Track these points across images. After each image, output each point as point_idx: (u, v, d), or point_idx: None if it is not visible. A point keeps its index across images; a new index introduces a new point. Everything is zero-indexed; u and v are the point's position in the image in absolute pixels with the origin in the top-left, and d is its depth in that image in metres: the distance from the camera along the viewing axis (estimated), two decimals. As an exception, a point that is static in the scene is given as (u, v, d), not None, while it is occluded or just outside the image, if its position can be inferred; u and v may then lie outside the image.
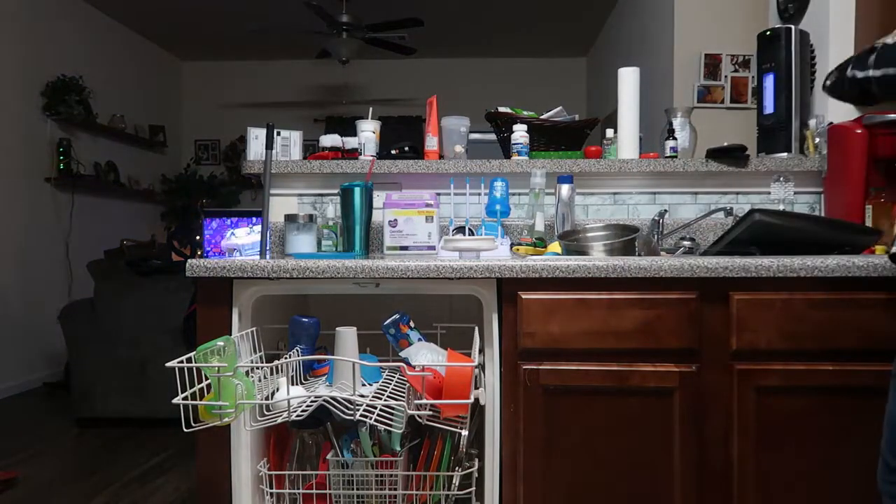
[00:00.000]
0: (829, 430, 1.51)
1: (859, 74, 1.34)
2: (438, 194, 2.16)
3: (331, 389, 1.55)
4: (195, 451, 1.63)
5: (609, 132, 2.26)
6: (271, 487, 1.66)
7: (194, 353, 1.36)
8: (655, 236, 2.08)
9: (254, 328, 1.64)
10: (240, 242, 1.95)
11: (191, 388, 1.34)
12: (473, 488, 1.65)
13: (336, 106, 6.92)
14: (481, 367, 1.58)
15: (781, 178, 2.09)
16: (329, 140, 2.26)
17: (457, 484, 1.64)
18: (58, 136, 4.96)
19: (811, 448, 1.52)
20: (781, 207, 2.07)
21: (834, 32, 2.21)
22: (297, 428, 1.73)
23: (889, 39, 1.32)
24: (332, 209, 2.17)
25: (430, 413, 1.41)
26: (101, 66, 5.53)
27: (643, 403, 1.53)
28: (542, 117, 2.26)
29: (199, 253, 3.55)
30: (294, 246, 1.98)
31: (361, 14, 5.21)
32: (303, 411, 1.43)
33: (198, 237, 3.72)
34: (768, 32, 2.24)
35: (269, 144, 2.03)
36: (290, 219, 2.00)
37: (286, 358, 1.53)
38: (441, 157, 2.26)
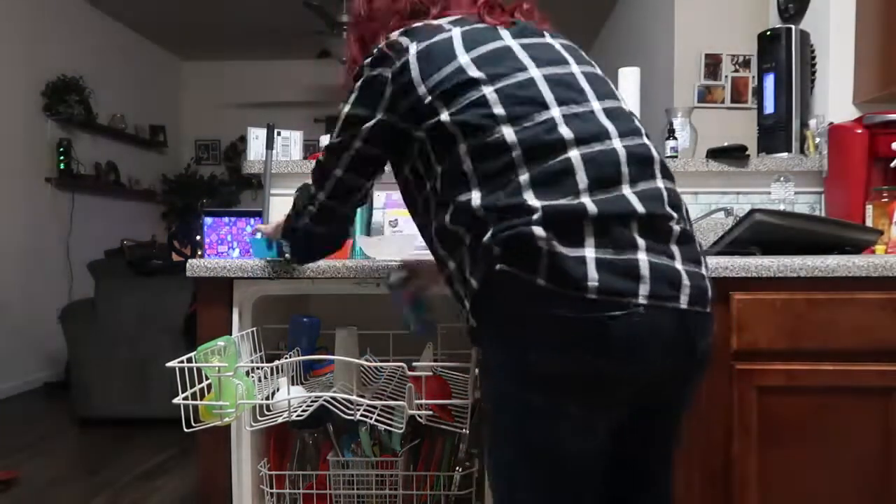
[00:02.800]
0: (830, 430, 1.51)
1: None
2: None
3: (331, 389, 1.56)
4: (195, 450, 1.62)
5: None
6: (272, 487, 1.66)
7: (194, 353, 1.36)
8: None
9: (254, 328, 1.64)
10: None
11: (191, 388, 1.34)
12: (473, 488, 1.65)
13: (336, 106, 6.91)
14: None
15: (782, 178, 2.09)
16: (329, 140, 2.25)
17: (457, 484, 1.64)
18: (58, 136, 4.96)
19: (811, 448, 1.51)
20: (782, 207, 2.07)
21: (834, 32, 2.21)
22: (297, 428, 1.72)
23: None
24: (333, 209, 2.17)
25: (431, 413, 1.41)
26: (101, 66, 5.53)
27: (643, 403, 1.53)
28: (542, 117, 2.25)
29: (199, 253, 3.55)
30: (294, 246, 1.98)
31: (361, 14, 5.21)
32: (303, 411, 1.43)
33: (198, 237, 3.72)
34: (768, 32, 2.24)
35: (270, 144, 2.03)
36: (291, 219, 1.99)
37: (286, 358, 1.53)
38: (441, 157, 2.25)
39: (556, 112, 1.00)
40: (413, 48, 1.08)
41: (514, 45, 1.08)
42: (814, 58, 2.26)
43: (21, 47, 4.63)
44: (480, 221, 0.97)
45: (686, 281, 0.97)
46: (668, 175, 1.05)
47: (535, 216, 0.93)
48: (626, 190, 0.97)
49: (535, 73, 1.04)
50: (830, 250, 1.69)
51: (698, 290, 0.99)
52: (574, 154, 0.97)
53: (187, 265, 1.56)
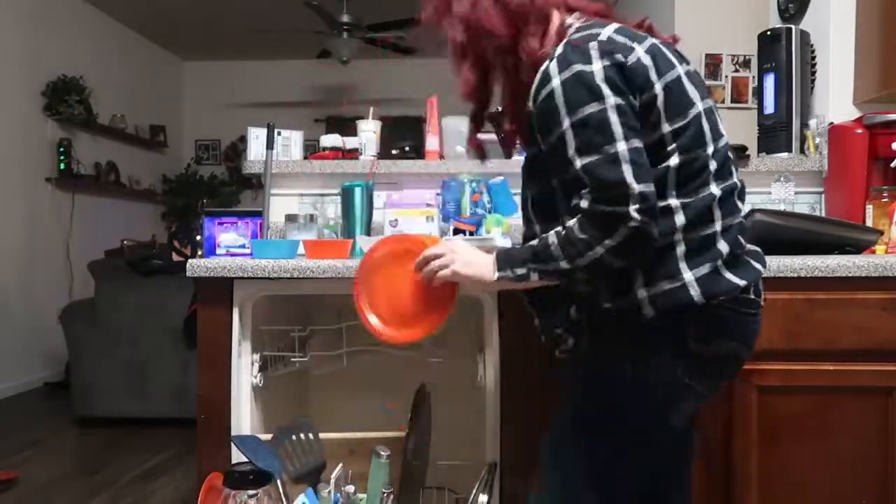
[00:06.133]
0: (830, 429, 1.51)
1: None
2: (439, 194, 2.16)
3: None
4: (195, 450, 1.62)
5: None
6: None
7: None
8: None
9: (254, 328, 1.64)
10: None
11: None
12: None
13: (337, 106, 6.91)
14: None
15: (782, 178, 2.09)
16: (329, 140, 2.26)
17: None
18: (58, 136, 4.96)
19: (811, 447, 1.52)
20: (782, 207, 2.07)
21: (834, 32, 2.21)
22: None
23: None
24: (333, 209, 2.17)
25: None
26: (102, 66, 5.52)
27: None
28: (542, 117, 2.25)
29: (199, 253, 3.55)
30: (294, 246, 1.98)
31: (361, 14, 5.21)
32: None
33: (198, 237, 3.72)
34: (769, 32, 2.24)
35: (270, 144, 2.03)
36: (291, 219, 2.00)
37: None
38: (441, 157, 2.25)
39: (710, 148, 1.13)
40: (639, 47, 1.10)
41: (681, 71, 1.14)
42: (814, 58, 2.26)
43: (21, 47, 4.62)
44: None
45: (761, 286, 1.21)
46: None
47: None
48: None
49: (700, 106, 1.14)
50: (830, 250, 1.69)
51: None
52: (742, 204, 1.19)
53: (187, 265, 1.56)
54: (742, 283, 1.12)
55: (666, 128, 1.09)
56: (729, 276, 1.11)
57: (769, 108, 2.22)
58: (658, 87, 1.09)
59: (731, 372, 1.24)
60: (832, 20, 2.21)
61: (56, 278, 4.89)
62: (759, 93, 2.26)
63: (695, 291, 1.08)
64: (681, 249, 1.10)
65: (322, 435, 1.57)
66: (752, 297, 1.15)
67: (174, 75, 7.02)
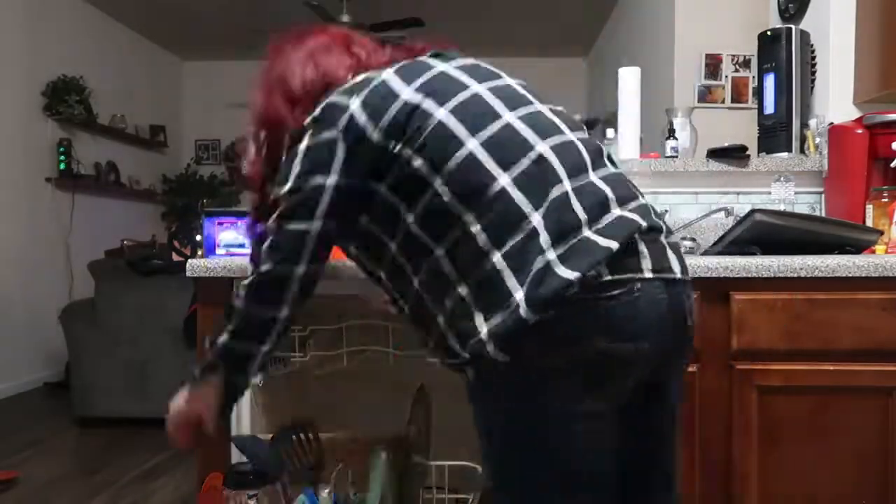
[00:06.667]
0: (830, 429, 1.51)
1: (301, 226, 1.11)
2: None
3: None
4: (195, 451, 1.62)
5: (609, 132, 2.26)
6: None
7: None
8: (656, 236, 2.07)
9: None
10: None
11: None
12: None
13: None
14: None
15: (782, 178, 2.09)
16: (329, 140, 2.25)
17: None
18: (58, 136, 4.96)
19: (811, 448, 1.52)
20: (782, 207, 2.07)
21: (834, 32, 2.21)
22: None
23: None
24: (333, 209, 2.17)
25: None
26: (102, 66, 5.53)
27: (643, 403, 1.52)
28: (542, 117, 2.25)
29: (199, 253, 3.54)
30: (294, 246, 1.97)
31: (361, 14, 5.21)
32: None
33: (198, 237, 3.72)
34: (769, 32, 2.24)
35: (270, 144, 2.02)
36: (291, 219, 1.99)
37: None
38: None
39: (510, 116, 1.02)
40: (355, 101, 1.06)
41: (449, 68, 1.09)
42: (814, 58, 2.26)
43: (21, 47, 4.63)
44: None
45: None
46: None
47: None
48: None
49: (478, 88, 1.06)
50: (830, 250, 1.69)
51: None
52: (544, 148, 1.00)
53: (187, 265, 1.56)
54: (573, 275, 0.91)
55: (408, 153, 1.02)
56: (560, 271, 0.92)
57: (769, 108, 2.22)
58: (376, 135, 1.04)
59: (617, 370, 1.00)
60: (832, 20, 2.21)
61: (56, 278, 4.89)
62: (759, 93, 2.26)
63: (523, 309, 0.92)
64: (502, 269, 0.95)
65: (322, 435, 1.57)
66: (608, 278, 0.94)
67: (174, 75, 7.02)
